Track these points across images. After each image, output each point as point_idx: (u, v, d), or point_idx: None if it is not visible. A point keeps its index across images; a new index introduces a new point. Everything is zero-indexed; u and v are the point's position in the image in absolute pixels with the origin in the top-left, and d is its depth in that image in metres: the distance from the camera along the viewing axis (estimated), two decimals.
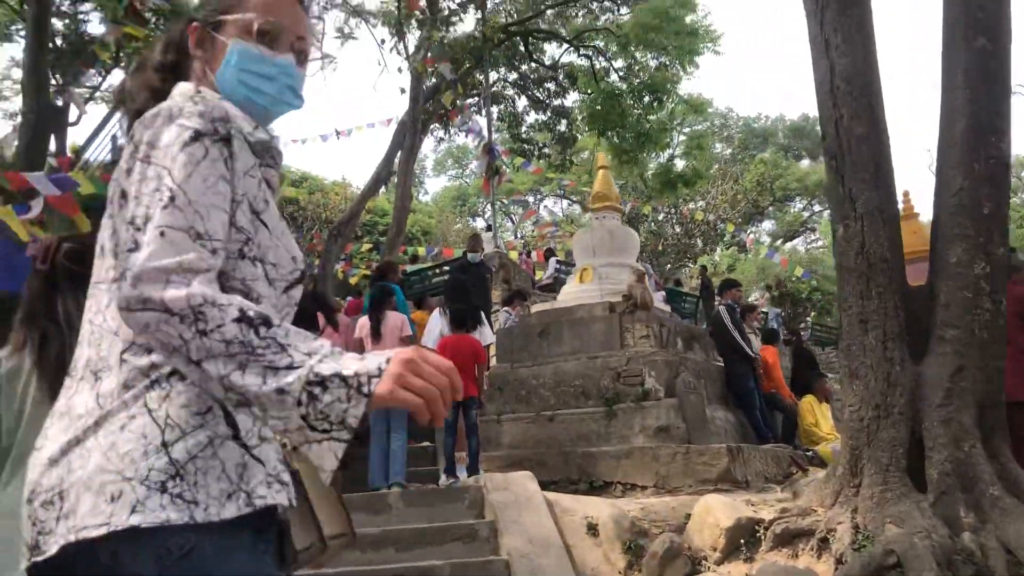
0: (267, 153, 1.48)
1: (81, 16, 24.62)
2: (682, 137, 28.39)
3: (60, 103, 18.19)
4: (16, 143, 12.99)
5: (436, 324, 7.94)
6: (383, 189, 28.27)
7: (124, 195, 1.35)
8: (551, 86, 27.97)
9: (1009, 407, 5.21)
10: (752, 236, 40.50)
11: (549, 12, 26.92)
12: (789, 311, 25.04)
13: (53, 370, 2.49)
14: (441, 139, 33.20)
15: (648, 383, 8.18)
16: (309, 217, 33.52)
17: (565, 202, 51.48)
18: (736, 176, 38.24)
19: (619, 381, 8.33)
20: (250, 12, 1.53)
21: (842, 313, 5.46)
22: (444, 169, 58.14)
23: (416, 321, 9.25)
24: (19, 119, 13.08)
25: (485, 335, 8.00)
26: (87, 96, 24.01)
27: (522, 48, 26.42)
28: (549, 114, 28.25)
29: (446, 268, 21.26)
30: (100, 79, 23.09)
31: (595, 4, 27.22)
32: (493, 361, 9.47)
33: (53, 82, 22.52)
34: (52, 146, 21.16)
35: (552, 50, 27.94)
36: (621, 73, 24.21)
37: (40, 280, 2.58)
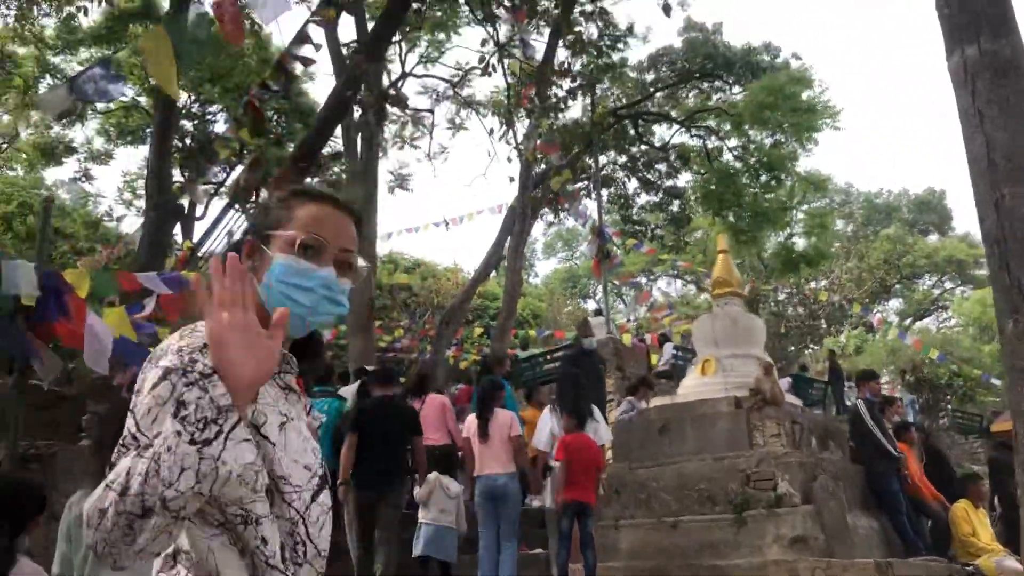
0: (282, 360, 1.58)
1: (208, 116, 26.03)
2: (800, 215, 27.44)
3: (187, 199, 18.93)
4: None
5: (547, 423, 7.47)
6: (493, 274, 28.27)
7: None
8: (662, 167, 27.69)
9: None
10: (880, 316, 38.63)
11: (658, 94, 26.84)
12: (927, 397, 23.42)
13: None
14: (551, 223, 33.22)
15: (781, 487, 7.46)
16: (422, 303, 33.85)
17: (679, 282, 50.58)
18: (862, 254, 36.69)
19: (749, 485, 7.64)
20: (297, 226, 1.62)
21: (1016, 422, 4.74)
22: (554, 252, 58.19)
23: (526, 419, 8.80)
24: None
25: (601, 434, 7.48)
26: (212, 192, 25.12)
27: (631, 131, 26.31)
28: (661, 195, 27.90)
29: (557, 354, 20.80)
30: (224, 175, 24.11)
31: (706, 84, 26.96)
32: (608, 455, 8.90)
33: (180, 179, 23.66)
34: (180, 239, 22.07)
35: (661, 131, 27.76)
36: (736, 152, 23.68)
37: (123, 408, 2.55)
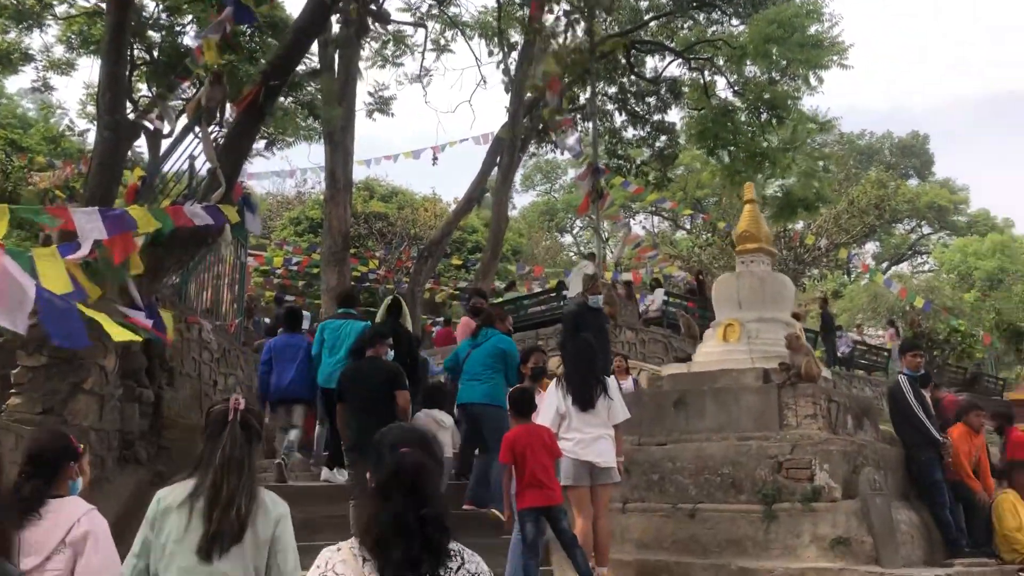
0: None
1: (178, 28, 24.15)
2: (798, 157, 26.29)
3: (156, 115, 17.44)
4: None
5: (554, 401, 6.39)
6: (476, 207, 27.05)
7: None
8: (651, 100, 26.43)
9: None
10: (863, 261, 37.98)
11: (652, 24, 25.42)
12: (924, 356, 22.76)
13: (217, 518, 2.82)
14: (533, 154, 31.89)
15: (819, 478, 6.53)
16: (398, 233, 32.59)
17: (655, 219, 49.52)
18: (852, 197, 35.80)
19: (780, 473, 6.70)
20: None
21: None
22: (532, 184, 56.80)
23: None
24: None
25: (615, 412, 6.42)
26: (180, 110, 23.45)
27: (622, 60, 24.93)
28: (648, 129, 26.71)
29: (542, 297, 19.72)
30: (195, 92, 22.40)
31: (702, 15, 25.52)
32: None
33: (148, 94, 21.91)
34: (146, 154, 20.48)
35: (653, 63, 26.41)
36: (736, 88, 22.40)
37: (240, 433, 2.96)
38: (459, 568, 2.14)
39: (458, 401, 7.84)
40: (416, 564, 2.09)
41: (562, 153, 28.27)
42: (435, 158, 21.22)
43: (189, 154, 9.10)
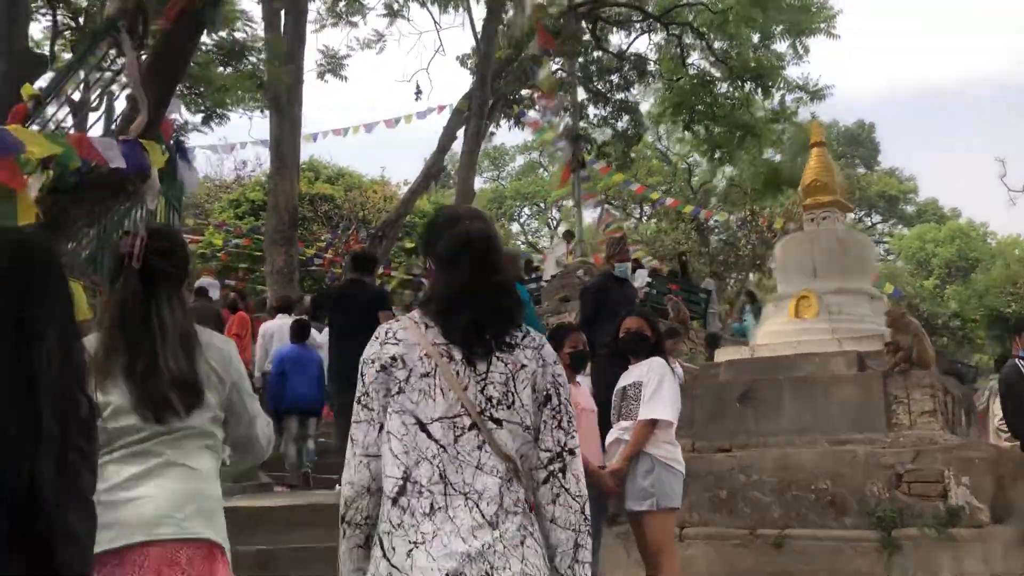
0: None
1: None
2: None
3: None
4: None
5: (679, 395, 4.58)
6: (432, 185, 25.19)
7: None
8: (615, 78, 24.94)
9: None
10: None
11: None
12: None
13: (140, 378, 2.36)
14: (492, 133, 30.17)
15: (957, 496, 4.92)
16: (346, 216, 30.53)
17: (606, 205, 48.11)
18: None
19: (900, 488, 5.08)
20: None
21: None
22: (480, 171, 54.97)
23: None
24: None
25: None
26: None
27: (586, 36, 23.36)
28: (610, 109, 25.28)
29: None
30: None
31: None
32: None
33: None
34: None
35: (618, 40, 24.92)
36: (717, 56, 20.88)
37: (137, 281, 2.42)
38: (525, 336, 2.11)
39: None
40: (482, 328, 2.05)
41: (522, 128, 26.65)
42: (418, 91, 19.28)
43: (95, 69, 7.05)
